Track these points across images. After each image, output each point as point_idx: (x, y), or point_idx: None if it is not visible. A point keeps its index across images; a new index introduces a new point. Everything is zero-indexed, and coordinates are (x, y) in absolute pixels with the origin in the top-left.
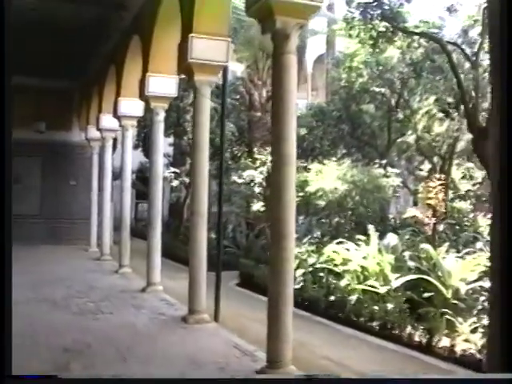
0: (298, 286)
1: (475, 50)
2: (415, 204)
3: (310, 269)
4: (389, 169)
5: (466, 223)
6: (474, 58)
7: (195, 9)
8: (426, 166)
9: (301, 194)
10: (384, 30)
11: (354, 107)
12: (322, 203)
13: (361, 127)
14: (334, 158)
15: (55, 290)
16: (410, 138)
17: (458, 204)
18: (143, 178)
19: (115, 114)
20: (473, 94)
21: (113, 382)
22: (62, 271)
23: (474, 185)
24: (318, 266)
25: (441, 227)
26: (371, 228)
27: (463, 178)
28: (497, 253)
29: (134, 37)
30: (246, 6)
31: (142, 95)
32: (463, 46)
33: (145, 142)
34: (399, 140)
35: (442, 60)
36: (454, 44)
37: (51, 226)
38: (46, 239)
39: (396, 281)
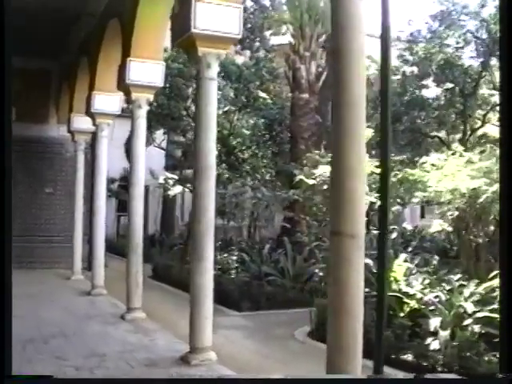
0: (437, 347)
1: None
2: None
3: (469, 320)
4: None
5: None
6: None
7: None
8: None
9: (414, 198)
10: None
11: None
12: (450, 211)
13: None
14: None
15: (37, 364)
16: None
17: None
18: (127, 187)
19: (121, 85)
20: None
21: (112, 382)
22: (44, 317)
23: None
24: (479, 315)
25: None
26: None
27: None
28: None
29: None
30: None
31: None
32: None
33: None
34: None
35: None
36: None
37: (22, 245)
38: (16, 262)
39: None
